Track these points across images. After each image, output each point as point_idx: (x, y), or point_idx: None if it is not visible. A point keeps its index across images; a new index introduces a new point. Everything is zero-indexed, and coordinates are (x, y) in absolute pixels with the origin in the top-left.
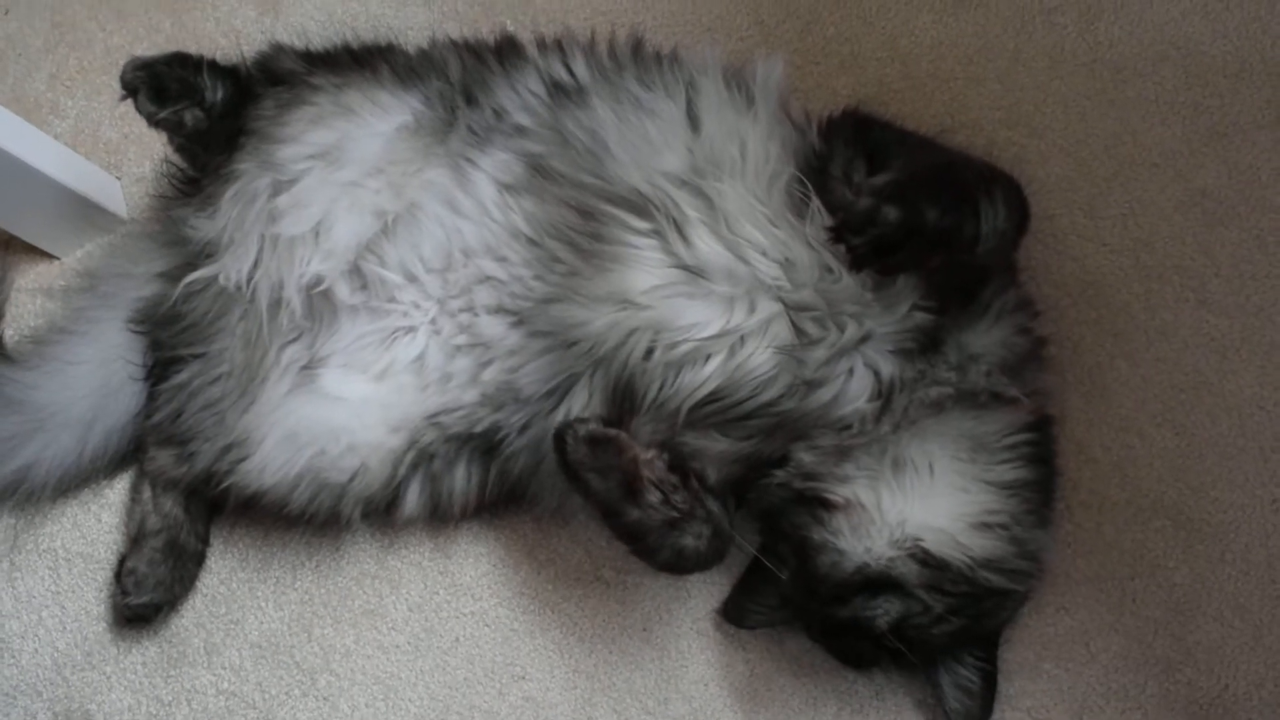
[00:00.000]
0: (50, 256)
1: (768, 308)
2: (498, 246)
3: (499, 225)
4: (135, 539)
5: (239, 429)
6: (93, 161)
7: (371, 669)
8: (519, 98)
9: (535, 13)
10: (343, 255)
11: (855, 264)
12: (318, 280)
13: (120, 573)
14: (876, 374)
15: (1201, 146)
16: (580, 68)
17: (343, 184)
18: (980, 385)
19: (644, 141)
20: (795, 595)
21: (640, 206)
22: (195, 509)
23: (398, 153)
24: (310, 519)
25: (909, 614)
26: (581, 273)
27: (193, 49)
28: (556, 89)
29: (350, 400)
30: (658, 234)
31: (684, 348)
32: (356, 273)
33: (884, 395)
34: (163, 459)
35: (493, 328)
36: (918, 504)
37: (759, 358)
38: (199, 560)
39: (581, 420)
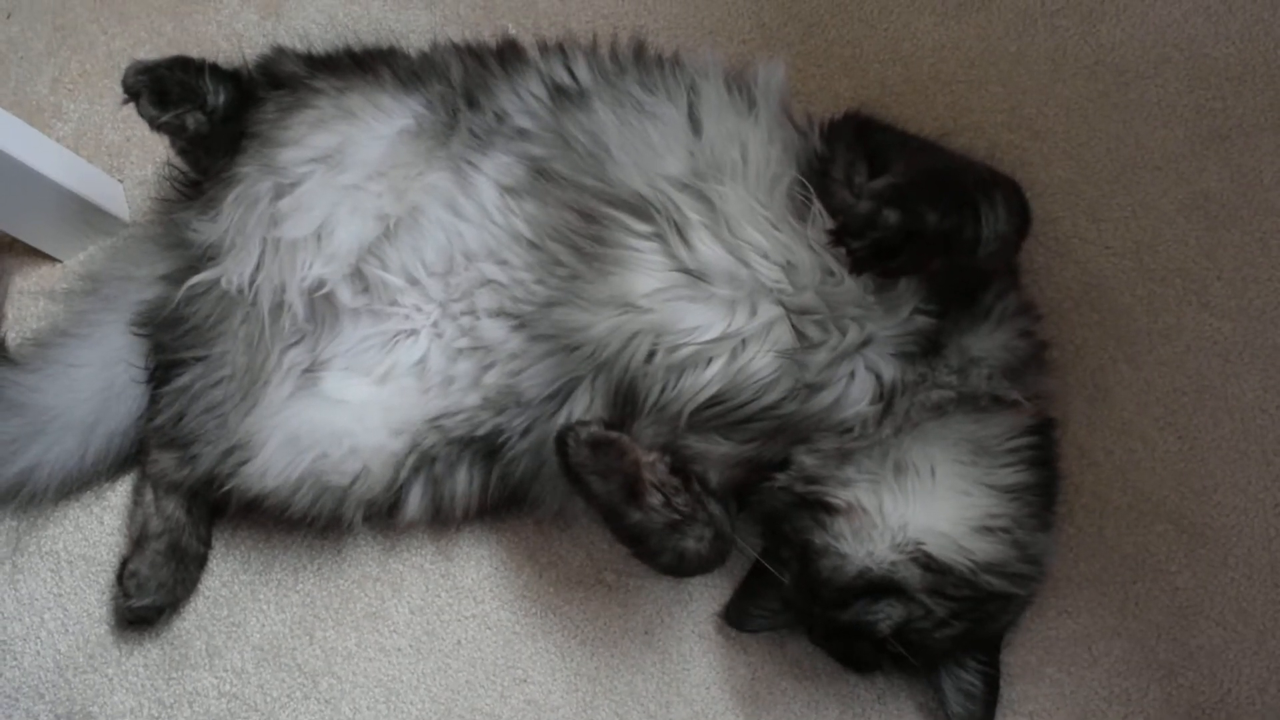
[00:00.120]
0: (52, 259)
1: (769, 311)
2: (499, 250)
3: (500, 228)
4: (137, 541)
5: (241, 432)
6: (95, 165)
7: (373, 671)
8: (520, 101)
9: (537, 16)
10: (344, 259)
11: (856, 267)
12: (320, 283)
13: (122, 575)
14: (878, 377)
15: (1204, 149)
16: (582, 71)
17: (344, 187)
18: (982, 388)
19: (645, 144)
20: (797, 599)
21: (641, 209)
22: (197, 511)
23: (399, 156)
24: (312, 522)
25: (911, 618)
26: (583, 276)
27: (195, 52)
28: (558, 92)
29: (352, 403)
30: (659, 237)
31: (685, 351)
32: (358, 276)
33: (885, 398)
34: (165, 462)
35: (494, 331)
36: (919, 508)
37: (760, 361)
38: (201, 563)
39: (583, 423)
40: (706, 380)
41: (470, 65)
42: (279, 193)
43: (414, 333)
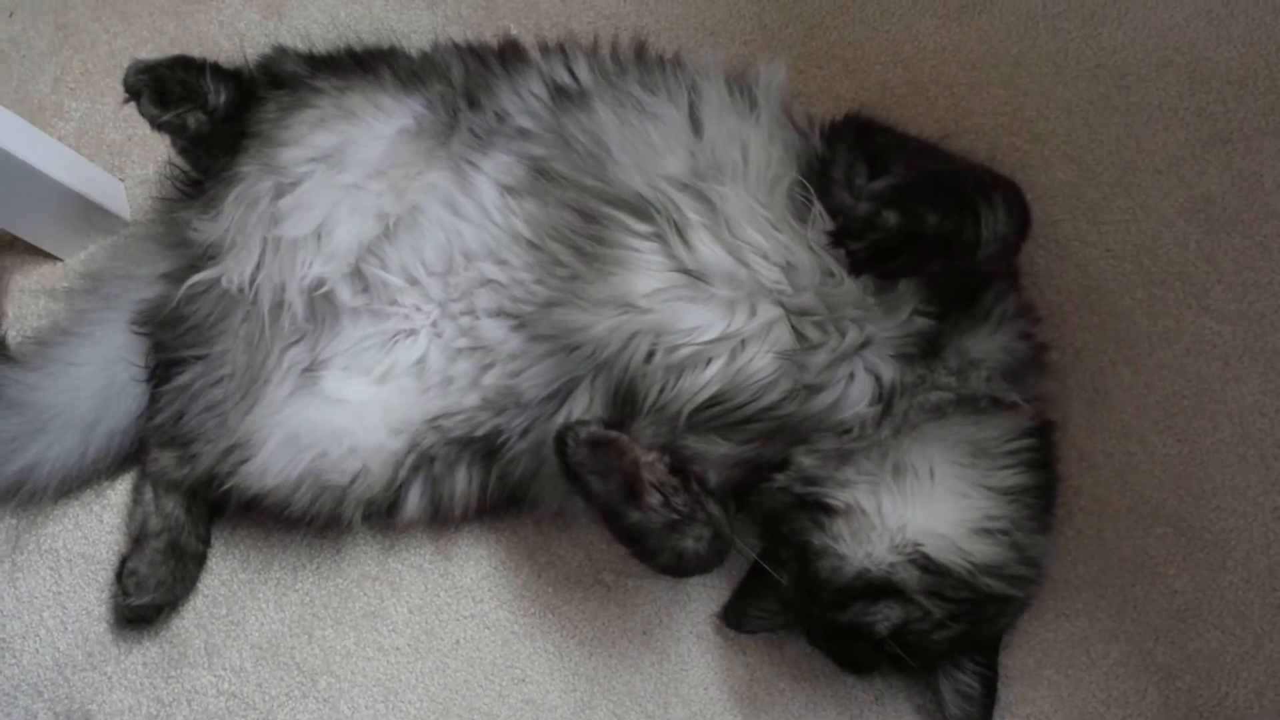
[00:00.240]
0: (53, 258)
1: (768, 312)
2: (499, 250)
3: (500, 228)
4: (137, 540)
5: (241, 431)
6: (96, 164)
7: (372, 671)
8: (521, 100)
9: (539, 16)
10: (344, 258)
11: (855, 268)
12: (319, 282)
13: (121, 573)
14: (877, 378)
15: (1205, 153)
16: (583, 71)
17: (344, 186)
18: (981, 390)
19: (646, 145)
20: (795, 600)
21: (641, 210)
22: (197, 510)
23: (399, 155)
24: (311, 521)
25: (909, 619)
26: (583, 276)
27: (196, 52)
28: (559, 92)
29: (352, 403)
30: (659, 237)
31: (685, 351)
32: (358, 275)
33: (885, 399)
34: (165, 460)
35: (493, 331)
36: (918, 509)
37: (760, 362)
38: (200, 561)
39: (583, 422)
40: (706, 380)
41: (471, 65)
42: (279, 192)
43: (413, 332)
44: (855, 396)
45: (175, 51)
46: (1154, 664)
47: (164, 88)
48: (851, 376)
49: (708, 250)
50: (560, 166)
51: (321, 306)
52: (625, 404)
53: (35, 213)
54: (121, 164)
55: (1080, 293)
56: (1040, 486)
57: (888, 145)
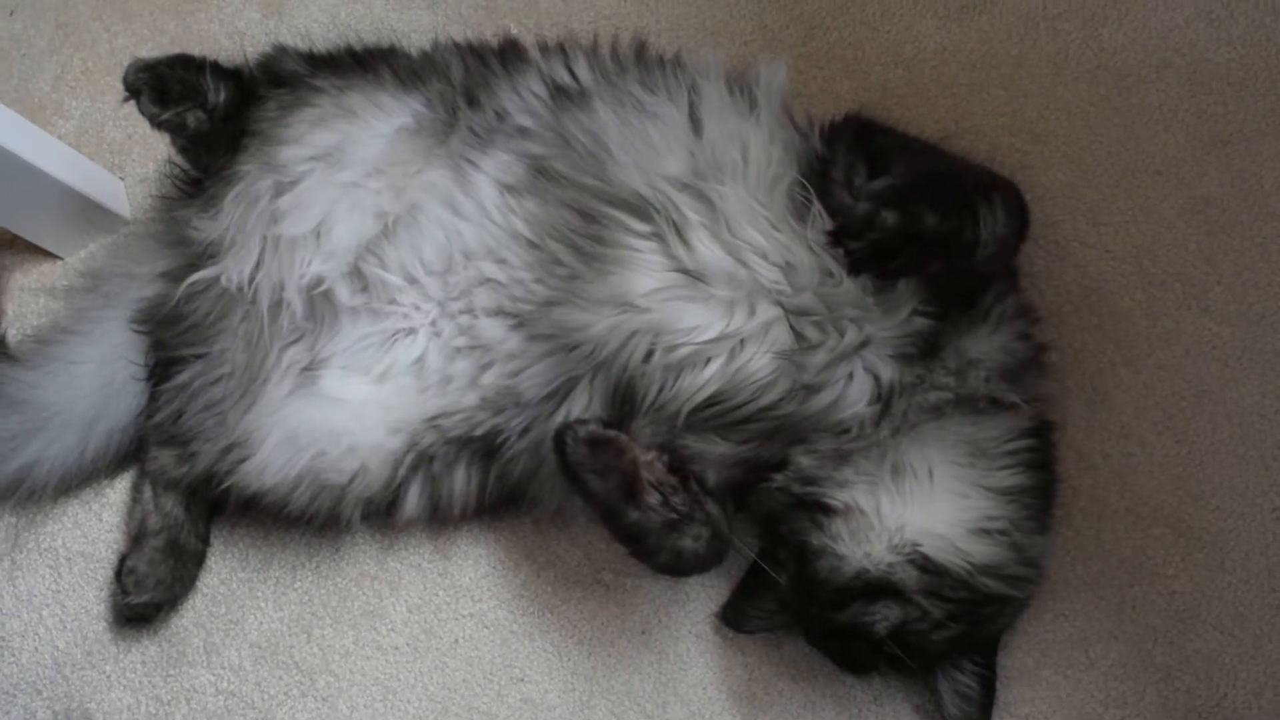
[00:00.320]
0: (53, 256)
1: (767, 312)
2: (498, 249)
3: (499, 227)
4: (136, 538)
5: (240, 430)
6: (96, 162)
7: (370, 670)
8: (521, 99)
9: (539, 16)
10: (343, 256)
11: (854, 268)
12: (318, 281)
13: (120, 572)
14: (876, 378)
15: (1205, 154)
16: (583, 70)
17: (343, 185)
18: (980, 391)
19: (646, 144)
20: (794, 600)
21: (641, 209)
22: (196, 509)
23: (398, 154)
24: (310, 520)
25: (908, 619)
26: (582, 275)
27: (197, 51)
28: (559, 91)
29: (350, 402)
30: (658, 237)
31: (683, 351)
32: (357, 274)
33: (883, 399)
34: (164, 459)
35: (492, 330)
36: (917, 509)
37: (758, 361)
38: (199, 560)
39: (581, 421)
40: (704, 380)
41: (471, 64)
42: (279, 190)
43: (412, 331)
44: (854, 396)
45: (175, 50)
46: (1153, 665)
47: (164, 86)
48: (850, 376)
49: (707, 250)
50: (560, 166)
51: (320, 305)
52: (624, 403)
53: (35, 211)
54: (122, 162)
55: (1080, 293)
56: (1039, 487)
57: (887, 145)
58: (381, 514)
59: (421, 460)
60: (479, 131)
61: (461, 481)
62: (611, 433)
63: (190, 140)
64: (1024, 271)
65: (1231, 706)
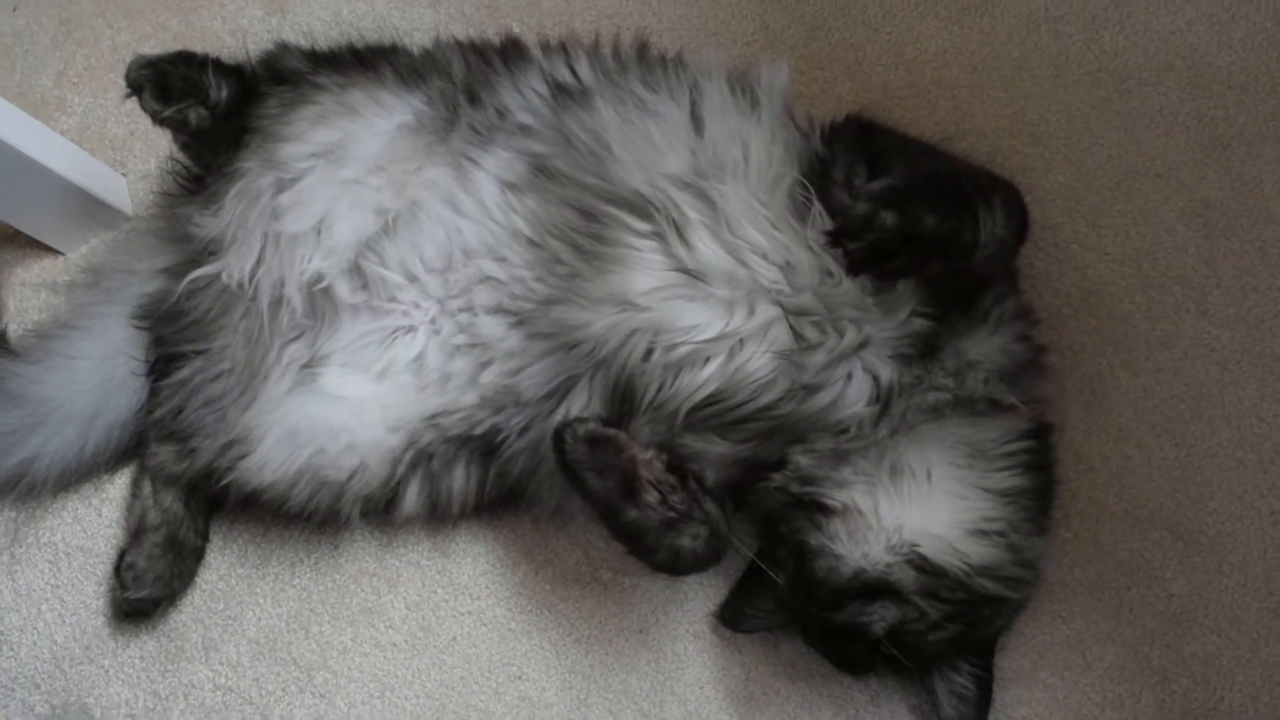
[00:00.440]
0: (55, 252)
1: (767, 312)
2: (498, 247)
3: (500, 225)
4: (135, 534)
5: (240, 426)
6: (98, 158)
7: (368, 666)
8: (522, 97)
9: (541, 15)
10: (343, 253)
11: (852, 269)
12: (318, 278)
13: (119, 567)
14: (875, 379)
15: (1205, 158)
16: (584, 69)
17: (344, 182)
18: (978, 392)
19: (647, 142)
20: (792, 599)
21: (641, 208)
22: (195, 505)
23: (398, 151)
24: (309, 516)
25: (905, 620)
26: (582, 274)
27: (199, 47)
28: (560, 90)
29: (350, 399)
30: (658, 236)
31: (683, 350)
32: (357, 272)
33: (882, 400)
34: (164, 454)
35: (492, 328)
36: (915, 510)
37: (758, 361)
38: (198, 556)
39: (581, 420)
40: (703, 379)
41: (473, 62)
42: (280, 187)
43: (411, 329)
44: (853, 397)
45: (178, 47)
46: (1150, 667)
47: (166, 83)
48: (849, 377)
49: (707, 249)
50: (561, 164)
51: (321, 303)
52: (623, 402)
53: (37, 206)
54: (123, 159)
55: (1079, 296)
56: (1037, 489)
57: (888, 147)
58: (380, 511)
59: (420, 458)
60: (480, 129)
61: (460, 479)
62: (610, 431)
63: (192, 137)
64: (1024, 273)
65: (1228, 710)
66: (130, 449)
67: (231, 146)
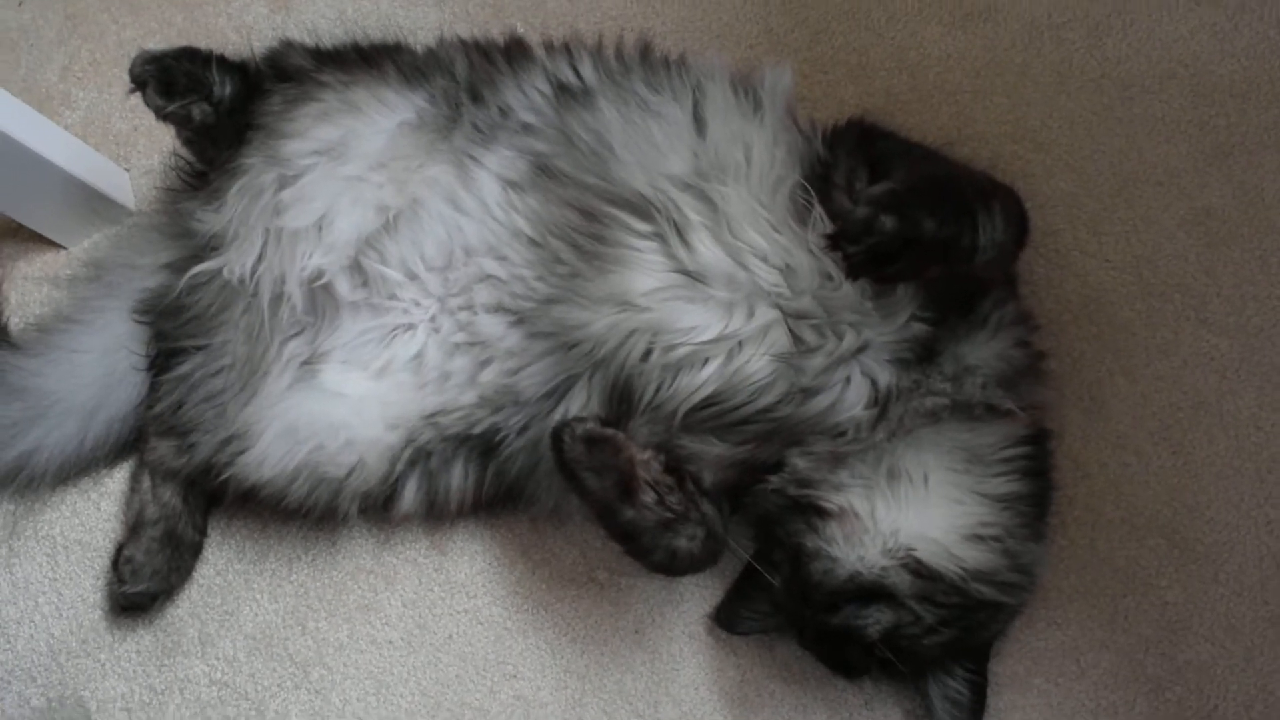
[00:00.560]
0: (57, 246)
1: (766, 314)
2: (499, 246)
3: (500, 224)
4: (133, 528)
5: (239, 422)
6: (102, 153)
7: (364, 663)
8: (525, 96)
9: (546, 16)
10: (343, 249)
11: (851, 272)
12: (318, 274)
13: (117, 561)
14: (873, 382)
15: (1206, 166)
16: (587, 70)
17: (346, 178)
18: (976, 397)
19: (649, 143)
20: (788, 602)
21: (642, 209)
22: (194, 500)
23: (400, 148)
24: (308, 513)
25: (900, 624)
26: (583, 274)
27: (204, 44)
28: (563, 90)
29: (349, 396)
30: (659, 237)
31: (681, 351)
32: (357, 269)
33: (880, 404)
34: (163, 449)
35: (492, 327)
36: (912, 514)
37: (756, 363)
38: (196, 551)
39: (579, 419)
40: (702, 381)
41: (476, 60)
42: (282, 184)
43: (411, 327)
44: (851, 400)
45: (183, 43)
46: (1144, 675)
47: (170, 78)
48: (848, 380)
49: (707, 251)
50: (562, 164)
51: (321, 299)
52: (622, 402)
53: (40, 200)
54: (127, 154)
55: (1079, 303)
56: (1034, 494)
57: (889, 151)
58: (378, 508)
59: (419, 456)
60: (482, 127)
61: (459, 478)
62: (609, 431)
63: (195, 133)
64: (1024, 279)
65: (1221, 718)
66: (130, 443)
67: (234, 143)
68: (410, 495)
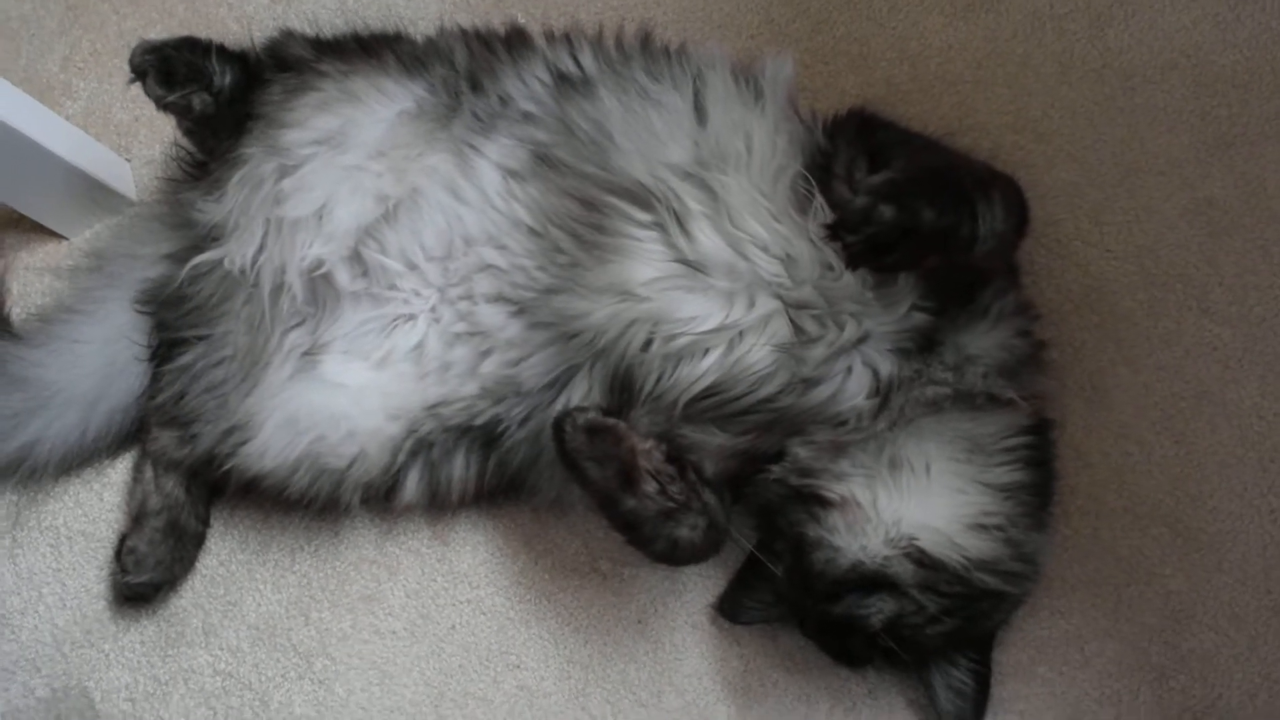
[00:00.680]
0: (59, 236)
1: (767, 304)
2: (499, 235)
3: (501, 214)
4: (136, 518)
5: (241, 412)
6: (103, 143)
7: (367, 654)
8: (525, 86)
9: (546, 6)
10: (343, 239)
11: (851, 262)
12: (318, 264)
13: (120, 551)
14: (875, 372)
15: (1208, 156)
16: (587, 60)
17: (345, 167)
18: (978, 386)
19: (649, 132)
20: (790, 592)
21: (642, 198)
22: (196, 490)
23: (399, 137)
24: (310, 503)
25: (903, 613)
26: (583, 264)
27: (205, 34)
28: (563, 79)
29: (350, 387)
30: (659, 226)
31: (682, 340)
32: (357, 259)
33: (882, 393)
34: (165, 440)
35: (492, 317)
36: (914, 503)
37: (757, 353)
38: (199, 541)
39: (580, 409)
40: (703, 370)
41: (475, 50)
42: (283, 173)
43: (411, 317)
44: (852, 390)
45: (183, 33)
46: (1148, 664)
47: (170, 68)
48: (849, 370)
49: (707, 241)
50: (563, 153)
51: (322, 290)
52: (623, 392)
53: (41, 191)
54: (128, 144)
55: (1080, 292)
56: (1037, 484)
57: (889, 141)
58: (380, 499)
59: (420, 447)
60: (482, 116)
61: (460, 468)
62: (610, 420)
63: (195, 123)
64: (1025, 269)
65: (1226, 707)
66: (132, 434)
67: (235, 133)
68: (412, 486)
